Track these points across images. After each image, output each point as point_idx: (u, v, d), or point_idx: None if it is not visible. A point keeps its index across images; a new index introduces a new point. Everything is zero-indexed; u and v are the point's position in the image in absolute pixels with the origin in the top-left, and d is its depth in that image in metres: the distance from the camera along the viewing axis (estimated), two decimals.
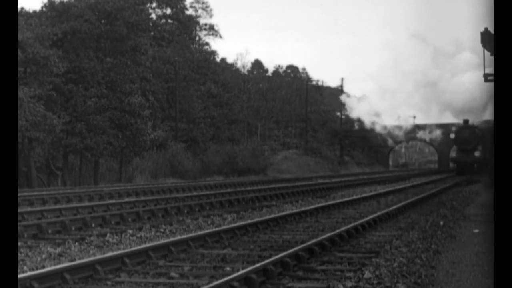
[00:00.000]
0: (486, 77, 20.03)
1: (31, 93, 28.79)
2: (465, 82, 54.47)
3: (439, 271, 8.90)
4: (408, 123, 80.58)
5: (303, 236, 12.50)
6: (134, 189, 26.06)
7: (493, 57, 18.26)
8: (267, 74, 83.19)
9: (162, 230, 13.75)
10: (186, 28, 65.86)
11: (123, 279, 8.44)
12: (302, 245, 10.15)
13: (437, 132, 73.35)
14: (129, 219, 15.82)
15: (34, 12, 37.73)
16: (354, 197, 22.75)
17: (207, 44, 70.80)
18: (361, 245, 11.55)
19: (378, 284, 7.77)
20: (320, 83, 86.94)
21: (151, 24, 51.25)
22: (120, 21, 35.48)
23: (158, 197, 22.73)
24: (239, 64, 74.10)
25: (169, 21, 64.20)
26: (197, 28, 70.20)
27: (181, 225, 14.79)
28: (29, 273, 7.88)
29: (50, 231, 13.35)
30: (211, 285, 7.31)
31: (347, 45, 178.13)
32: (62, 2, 36.44)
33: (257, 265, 8.41)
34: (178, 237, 11.55)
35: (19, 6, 39.98)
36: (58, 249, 10.84)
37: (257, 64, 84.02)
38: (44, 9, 37.34)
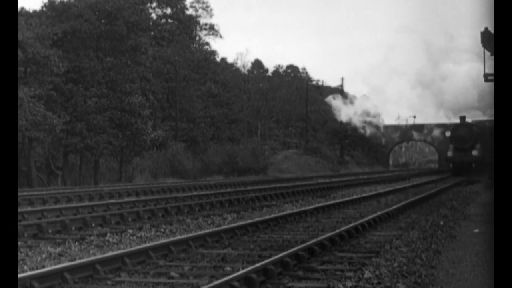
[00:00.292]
0: (486, 77, 20.02)
1: (31, 93, 28.78)
2: (465, 81, 54.24)
3: (439, 271, 8.90)
4: (408, 123, 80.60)
5: (303, 236, 12.50)
6: (134, 189, 26.06)
7: (493, 57, 18.27)
8: (267, 74, 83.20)
9: (162, 230, 13.75)
10: (186, 28, 65.88)
11: (123, 279, 8.45)
12: (302, 245, 10.15)
13: (436, 132, 72.93)
14: (129, 219, 15.82)
15: (34, 12, 37.75)
16: (354, 196, 22.75)
17: (207, 44, 70.89)
18: (361, 245, 11.55)
19: (378, 284, 7.77)
20: (320, 83, 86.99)
21: (151, 24, 51.25)
22: (120, 20, 35.49)
23: (158, 196, 22.74)
24: (239, 64, 74.17)
25: (169, 20, 64.22)
26: (197, 28, 70.23)
27: (181, 224, 14.80)
28: (29, 273, 7.88)
29: (50, 231, 13.35)
30: (211, 285, 7.31)
31: (347, 45, 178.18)
32: (62, 2, 36.44)
33: (257, 265, 8.41)
34: (178, 237, 11.56)
35: (19, 6, 39.99)
36: (58, 249, 10.84)
37: (257, 64, 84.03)
38: (44, 9, 37.35)
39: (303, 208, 17.64)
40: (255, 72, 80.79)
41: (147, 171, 39.76)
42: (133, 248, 10.07)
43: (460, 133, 50.85)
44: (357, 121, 68.48)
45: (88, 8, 35.18)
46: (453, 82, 58.78)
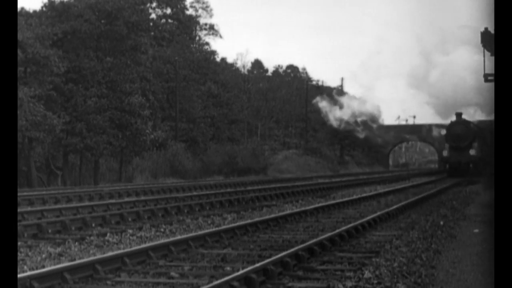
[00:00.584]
0: (486, 77, 20.01)
1: (31, 93, 28.79)
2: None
3: (439, 271, 8.90)
4: (408, 123, 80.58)
5: (303, 236, 12.49)
6: (134, 189, 26.06)
7: (493, 57, 18.26)
8: (267, 74, 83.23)
9: (162, 229, 13.75)
10: (186, 28, 65.92)
11: (123, 279, 8.44)
12: (302, 245, 10.15)
13: (435, 132, 72.60)
14: (129, 219, 15.82)
15: (34, 12, 37.76)
16: (354, 197, 22.74)
17: (207, 44, 70.93)
18: (361, 244, 11.55)
19: (378, 284, 7.76)
20: (320, 83, 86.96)
21: (151, 24, 51.29)
22: (120, 21, 35.50)
23: (158, 196, 22.74)
24: (239, 64, 74.24)
25: (169, 21, 64.25)
26: (197, 28, 70.27)
27: (181, 224, 14.80)
28: (29, 273, 7.88)
29: (50, 231, 13.35)
30: (211, 285, 7.31)
31: (347, 45, 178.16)
32: (62, 2, 36.46)
33: (257, 264, 8.41)
34: (178, 237, 11.56)
35: (19, 6, 40.03)
36: (58, 249, 10.84)
37: (257, 64, 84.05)
38: (44, 9, 37.36)
39: (303, 208, 17.63)
40: (255, 72, 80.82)
41: (147, 171, 39.79)
42: (133, 248, 10.07)
43: (456, 131, 45.69)
44: (346, 123, 66.07)
45: (88, 8, 35.19)
46: (449, 77, 58.06)
